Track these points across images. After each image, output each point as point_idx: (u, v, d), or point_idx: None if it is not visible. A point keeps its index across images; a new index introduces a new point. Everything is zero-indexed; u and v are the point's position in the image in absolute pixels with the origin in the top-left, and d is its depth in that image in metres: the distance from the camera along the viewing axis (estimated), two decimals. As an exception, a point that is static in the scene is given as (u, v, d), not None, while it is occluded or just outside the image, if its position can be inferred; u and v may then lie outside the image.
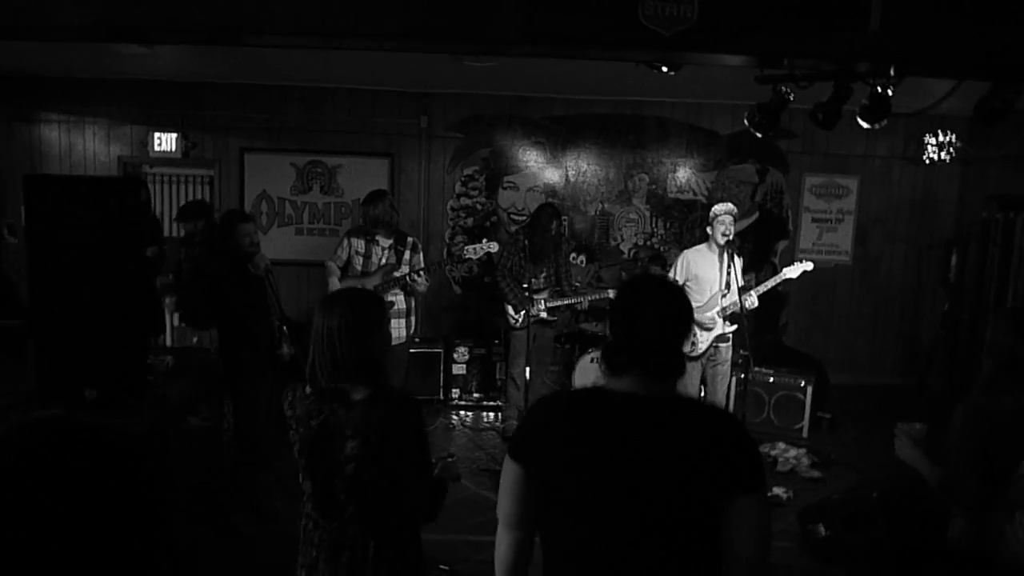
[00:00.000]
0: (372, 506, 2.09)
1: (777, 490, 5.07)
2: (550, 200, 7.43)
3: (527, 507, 1.73)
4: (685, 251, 5.36)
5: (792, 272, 5.22)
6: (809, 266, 5.26)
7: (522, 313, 5.67)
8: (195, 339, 4.94)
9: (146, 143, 7.38)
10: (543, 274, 5.71)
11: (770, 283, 5.22)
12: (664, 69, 3.74)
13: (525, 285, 5.60)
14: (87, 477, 0.95)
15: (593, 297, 5.88)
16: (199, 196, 8.33)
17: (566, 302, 5.83)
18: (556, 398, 1.93)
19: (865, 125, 3.97)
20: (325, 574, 2.11)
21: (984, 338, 2.68)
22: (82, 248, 3.90)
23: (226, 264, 4.25)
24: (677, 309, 1.73)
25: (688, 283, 5.22)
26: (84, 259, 3.91)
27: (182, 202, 8.04)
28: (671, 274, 5.33)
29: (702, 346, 5.19)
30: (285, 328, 4.37)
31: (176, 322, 5.59)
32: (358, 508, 2.08)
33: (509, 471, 1.74)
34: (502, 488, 1.76)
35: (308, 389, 2.15)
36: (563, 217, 7.10)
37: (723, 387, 5.32)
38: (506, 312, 5.77)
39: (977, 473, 2.45)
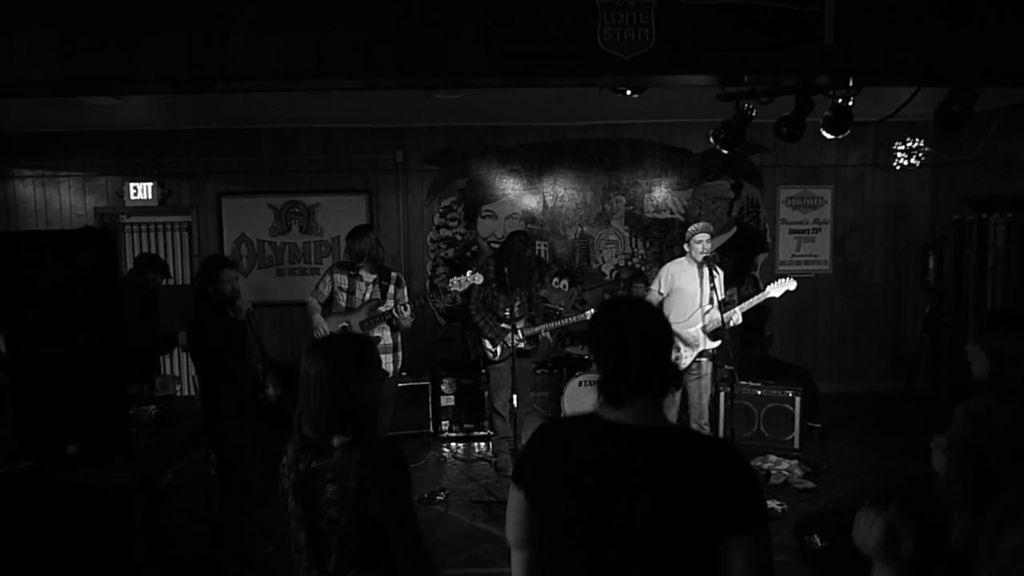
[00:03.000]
0: (357, 554, 2.05)
1: (771, 503, 5.05)
2: (526, 227, 7.49)
3: (531, 528, 1.77)
4: (667, 264, 5.42)
5: (776, 291, 5.28)
6: (792, 284, 5.31)
7: (499, 346, 5.65)
8: (178, 387, 4.90)
9: (122, 193, 7.38)
10: (516, 303, 5.62)
11: (754, 301, 5.27)
12: (628, 92, 3.80)
13: (507, 312, 5.58)
14: (53, 528, 0.94)
15: (572, 320, 5.87)
16: (178, 243, 8.31)
17: (541, 329, 5.77)
18: (555, 425, 1.91)
19: (829, 136, 4.04)
20: None
21: (966, 340, 2.68)
22: (58, 302, 3.87)
23: (207, 309, 4.24)
24: (660, 326, 1.73)
25: (671, 296, 5.25)
26: (60, 313, 3.88)
27: (160, 250, 8.02)
28: (654, 287, 5.36)
29: (685, 361, 5.22)
30: (269, 371, 4.34)
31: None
32: (341, 555, 2.04)
33: (513, 494, 1.79)
34: (508, 510, 1.82)
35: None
36: (536, 242, 7.14)
37: (706, 397, 5.33)
38: (483, 346, 5.75)
39: (970, 477, 2.44)
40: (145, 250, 8.40)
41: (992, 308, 6.70)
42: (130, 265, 8.23)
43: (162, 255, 8.44)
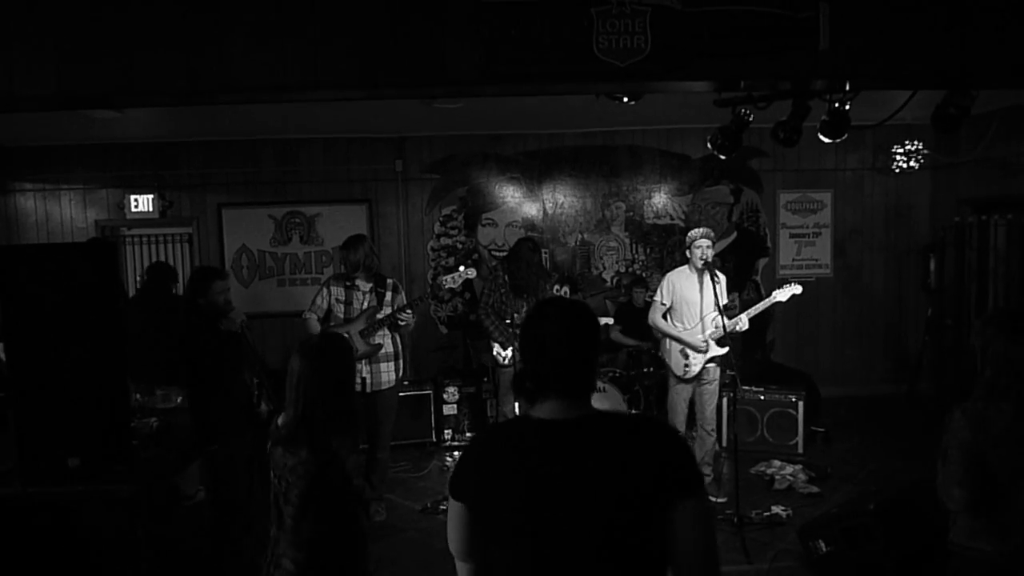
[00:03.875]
0: (311, 553, 2.17)
1: (776, 508, 5.04)
2: (526, 234, 7.50)
3: (475, 539, 1.76)
4: (669, 274, 5.39)
5: (782, 295, 5.27)
6: (799, 289, 5.30)
7: (509, 350, 5.65)
8: (179, 399, 4.88)
9: (123, 206, 7.40)
10: (524, 308, 5.67)
11: (761, 306, 5.25)
12: (625, 100, 3.81)
13: (508, 320, 5.59)
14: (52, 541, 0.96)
15: None
16: (179, 254, 8.33)
17: None
18: (486, 432, 1.97)
19: (826, 140, 4.04)
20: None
21: (968, 342, 2.68)
22: (58, 315, 3.87)
23: (199, 321, 4.23)
24: (579, 330, 1.74)
25: (675, 306, 5.24)
26: (61, 326, 3.88)
27: (156, 262, 8.03)
28: (657, 297, 5.35)
29: (695, 368, 5.20)
30: (264, 384, 4.33)
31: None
32: (292, 553, 2.18)
33: (452, 507, 1.78)
34: (449, 523, 1.80)
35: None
36: (543, 250, 7.16)
37: (711, 405, 5.31)
38: (492, 350, 5.75)
39: (968, 480, 2.43)
40: (146, 262, 8.43)
41: (995, 310, 6.69)
42: (132, 275, 8.30)
43: (163, 266, 8.45)
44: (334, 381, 2.21)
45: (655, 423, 1.79)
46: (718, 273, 5.15)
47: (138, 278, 8.25)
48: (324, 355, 2.22)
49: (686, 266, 5.27)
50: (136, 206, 7.40)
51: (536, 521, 1.64)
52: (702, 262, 5.06)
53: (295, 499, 2.12)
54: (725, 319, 4.96)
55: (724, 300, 5.12)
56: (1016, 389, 2.43)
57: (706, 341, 5.15)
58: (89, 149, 7.30)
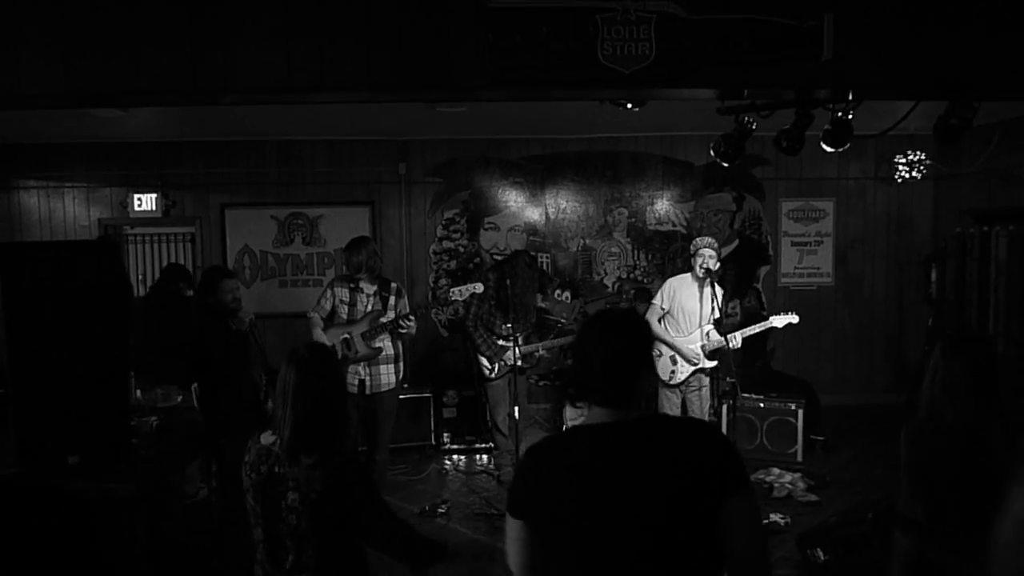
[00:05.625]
0: (315, 557, 2.15)
1: (774, 516, 5.03)
2: (528, 239, 7.54)
3: (534, 556, 1.77)
4: (670, 279, 5.42)
5: (779, 322, 5.36)
6: (795, 319, 5.43)
7: (496, 364, 5.66)
8: (179, 398, 4.89)
9: (126, 204, 7.42)
10: (511, 318, 5.63)
11: (756, 328, 5.31)
12: (629, 106, 3.82)
13: (500, 331, 5.59)
14: (41, 534, 0.96)
15: (567, 341, 5.89)
16: (181, 254, 8.35)
17: (538, 347, 5.82)
18: (543, 446, 1.91)
19: (829, 150, 4.05)
20: None
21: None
22: (60, 313, 3.88)
23: (208, 320, 4.26)
24: (627, 344, 1.76)
25: (671, 312, 5.26)
26: (63, 324, 3.89)
27: (164, 261, 8.06)
28: (656, 301, 5.36)
29: (680, 376, 5.23)
30: (272, 382, 4.34)
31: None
32: (298, 557, 2.13)
33: (511, 525, 1.79)
34: (508, 541, 1.81)
35: (269, 436, 2.24)
36: (539, 255, 7.19)
37: (703, 410, 5.34)
38: (480, 363, 5.76)
39: (921, 495, 2.48)
40: (148, 261, 8.46)
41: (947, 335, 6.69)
42: (136, 274, 8.32)
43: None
44: (326, 387, 2.21)
45: (702, 424, 1.87)
46: (717, 286, 5.16)
47: (140, 276, 8.28)
48: (314, 364, 2.21)
49: (688, 274, 5.28)
50: (139, 205, 7.42)
51: (592, 524, 1.67)
52: (703, 271, 5.07)
53: (311, 506, 2.09)
54: (718, 337, 5.01)
55: (719, 313, 5.13)
56: (951, 409, 2.46)
57: (697, 353, 5.18)
58: (93, 147, 7.32)
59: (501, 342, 5.60)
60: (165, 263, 7.91)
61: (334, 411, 2.19)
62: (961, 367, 2.49)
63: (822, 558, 4.18)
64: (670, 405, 5.30)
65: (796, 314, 5.43)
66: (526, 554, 1.76)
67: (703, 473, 1.65)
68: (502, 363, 5.61)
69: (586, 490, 1.67)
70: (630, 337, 1.78)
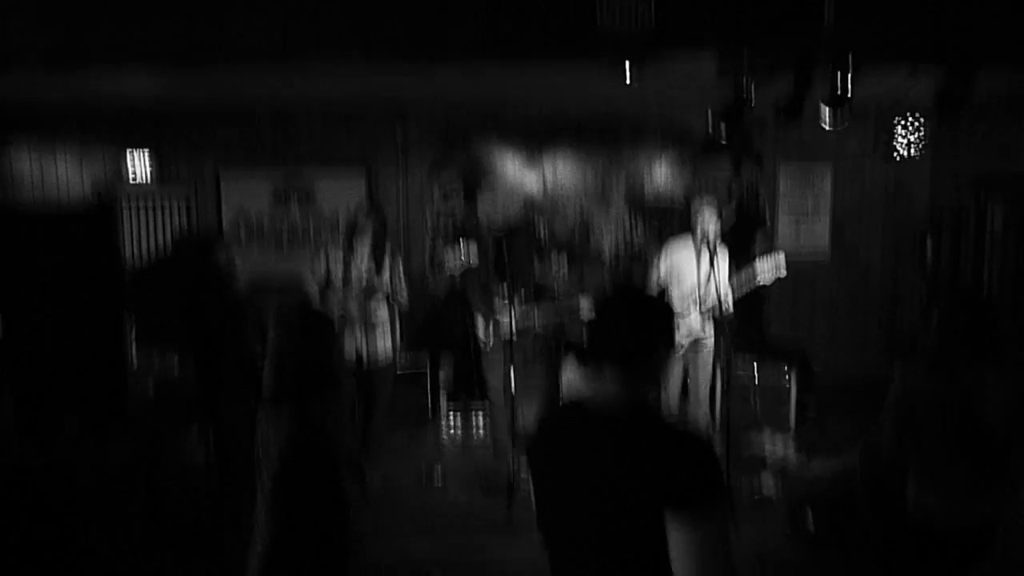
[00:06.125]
0: (287, 522, 2.16)
1: (767, 483, 5.10)
2: (525, 206, 7.51)
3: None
4: (670, 239, 5.41)
5: (766, 275, 5.25)
6: (783, 271, 5.28)
7: (492, 328, 5.67)
8: (177, 364, 4.91)
9: (119, 168, 7.34)
10: (510, 290, 5.64)
11: (744, 289, 5.25)
12: (627, 71, 3.77)
13: (497, 299, 5.59)
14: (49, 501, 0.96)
15: (565, 314, 5.87)
16: (175, 220, 8.30)
17: (533, 319, 5.80)
18: (549, 416, 1.96)
19: (828, 116, 4.01)
20: None
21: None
22: (54, 278, 3.88)
23: (203, 288, 4.25)
24: (649, 323, 1.77)
25: (669, 274, 5.25)
26: (57, 289, 3.90)
27: (158, 227, 8.00)
28: (655, 264, 5.36)
29: (682, 342, 5.23)
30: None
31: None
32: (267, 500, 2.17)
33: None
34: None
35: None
36: (536, 222, 7.17)
37: (704, 378, 5.36)
38: (476, 330, 5.77)
39: (895, 428, 2.68)
40: (143, 226, 8.41)
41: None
42: (129, 240, 8.27)
43: (160, 231, 8.43)
44: (311, 347, 2.23)
45: (696, 440, 1.67)
46: (719, 250, 5.12)
47: (134, 242, 8.24)
48: (299, 322, 2.25)
49: (690, 238, 5.25)
50: (133, 169, 7.35)
51: (561, 506, 1.78)
52: (710, 233, 5.03)
53: (273, 464, 2.13)
54: (718, 298, 4.94)
55: (720, 278, 5.11)
56: (954, 355, 2.61)
57: (693, 318, 5.17)
58: (86, 110, 7.22)
59: (498, 307, 5.61)
60: (159, 228, 7.86)
61: (316, 370, 2.22)
62: (961, 323, 2.62)
63: (812, 521, 4.25)
64: (672, 372, 5.32)
65: (783, 267, 5.30)
66: (534, 500, 1.92)
67: (662, 480, 1.56)
68: (498, 327, 5.62)
69: (555, 477, 1.79)
70: (658, 321, 1.78)
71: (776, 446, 5.84)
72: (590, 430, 1.73)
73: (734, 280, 5.31)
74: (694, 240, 5.15)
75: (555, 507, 1.81)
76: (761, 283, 5.27)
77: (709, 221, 5.04)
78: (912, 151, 7.01)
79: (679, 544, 1.53)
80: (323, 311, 3.29)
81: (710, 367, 5.37)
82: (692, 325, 5.20)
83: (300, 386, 2.20)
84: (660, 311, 1.82)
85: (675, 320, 1.83)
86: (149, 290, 5.66)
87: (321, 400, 2.25)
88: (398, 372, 5.59)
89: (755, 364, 6.43)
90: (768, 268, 5.23)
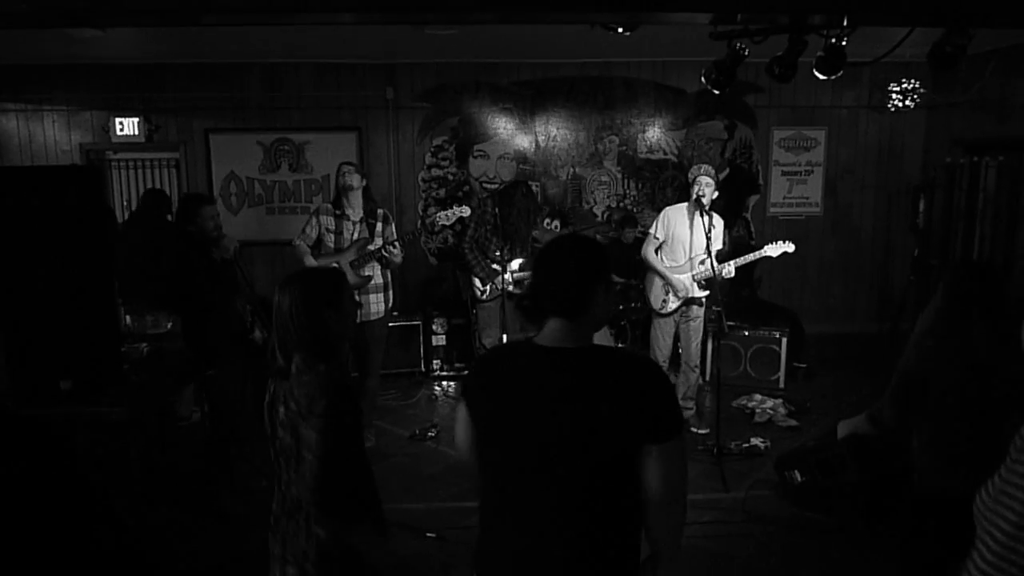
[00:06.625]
0: (301, 473, 2.13)
1: (755, 440, 5.19)
2: (518, 167, 7.48)
3: (472, 440, 1.94)
4: (667, 208, 5.40)
5: (773, 251, 5.26)
6: (791, 247, 5.27)
7: (488, 285, 5.69)
8: (169, 324, 4.92)
9: (108, 129, 7.27)
10: (507, 247, 5.66)
11: (750, 258, 5.27)
12: (620, 30, 3.74)
13: (491, 257, 5.60)
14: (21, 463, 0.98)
15: None
16: (165, 180, 8.25)
17: (528, 275, 5.81)
18: (494, 351, 2.15)
19: (822, 77, 3.99)
20: (277, 535, 2.20)
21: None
22: (46, 239, 3.87)
23: (190, 248, 4.23)
24: (585, 259, 1.82)
25: (667, 241, 5.26)
26: (49, 250, 3.88)
27: (147, 187, 7.94)
28: (651, 231, 5.37)
29: (671, 305, 5.28)
30: (257, 311, 4.36)
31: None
32: (289, 474, 2.14)
33: (460, 408, 1.97)
34: (457, 419, 2.00)
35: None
36: (534, 184, 7.14)
37: (696, 341, 5.41)
38: (473, 284, 5.79)
39: (900, 400, 2.69)
40: (132, 187, 8.36)
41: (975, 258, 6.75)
42: (120, 200, 8.23)
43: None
44: (327, 306, 2.19)
45: (646, 364, 1.86)
46: (716, 216, 5.14)
47: (125, 203, 8.20)
48: (313, 282, 2.22)
49: (686, 203, 5.25)
50: (121, 129, 7.27)
51: (515, 437, 1.78)
52: (698, 199, 5.03)
53: (315, 421, 2.03)
54: (714, 263, 4.96)
55: (718, 244, 5.12)
56: (972, 329, 2.56)
57: (688, 281, 5.20)
58: (72, 69, 7.11)
59: (495, 266, 5.63)
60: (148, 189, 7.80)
61: (333, 330, 2.18)
62: (968, 295, 2.57)
63: (799, 479, 4.33)
64: (663, 334, 5.38)
65: (792, 243, 5.31)
66: (466, 436, 1.94)
67: (623, 416, 1.68)
68: (494, 285, 5.64)
69: (511, 405, 1.79)
70: (580, 252, 1.84)
71: (764, 403, 5.92)
72: (545, 358, 1.79)
73: (725, 237, 5.34)
74: (692, 206, 5.14)
75: (512, 431, 1.79)
76: (766, 255, 5.27)
77: (706, 187, 5.03)
78: (907, 102, 6.98)
79: (656, 467, 1.69)
80: (331, 267, 3.30)
81: (701, 327, 5.41)
82: (682, 291, 5.23)
83: (325, 347, 2.15)
84: (587, 252, 1.85)
85: (606, 259, 1.85)
86: (138, 251, 5.66)
87: (342, 358, 2.27)
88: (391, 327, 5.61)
89: (747, 324, 6.48)
90: (776, 249, 5.25)
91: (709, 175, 5.09)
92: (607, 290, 1.82)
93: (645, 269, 5.43)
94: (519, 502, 1.81)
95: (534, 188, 7.60)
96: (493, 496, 1.89)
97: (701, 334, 5.46)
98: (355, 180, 4.96)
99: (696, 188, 5.06)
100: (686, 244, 5.22)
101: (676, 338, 5.45)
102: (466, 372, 1.99)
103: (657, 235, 5.31)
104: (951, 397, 2.53)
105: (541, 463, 1.74)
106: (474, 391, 1.93)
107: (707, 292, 5.26)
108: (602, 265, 1.83)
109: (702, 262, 5.14)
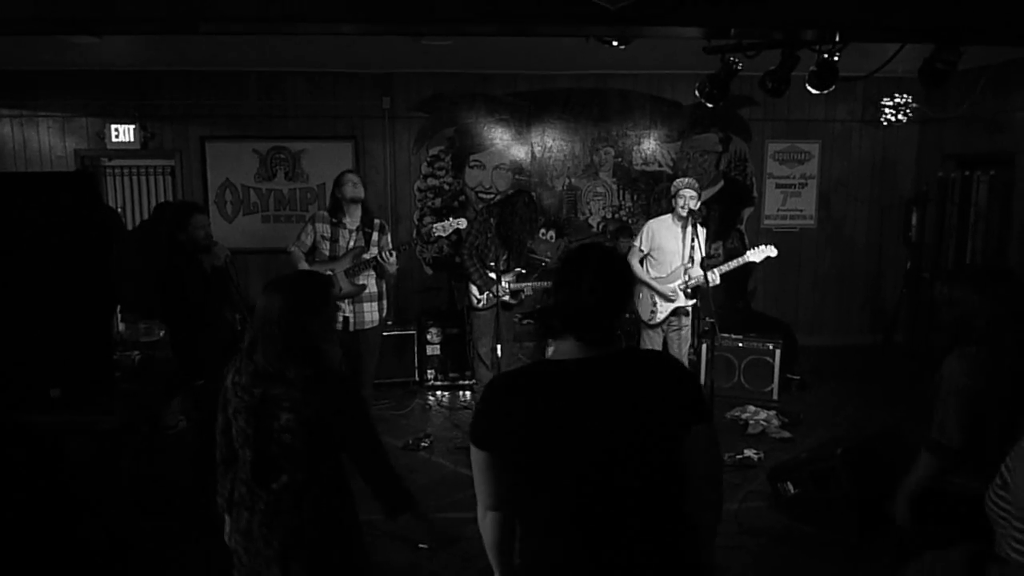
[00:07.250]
0: (305, 479, 2.22)
1: (748, 452, 5.18)
2: (514, 178, 7.50)
3: (502, 487, 1.78)
4: (650, 221, 5.45)
5: (756, 256, 5.31)
6: (773, 252, 5.32)
7: (486, 294, 5.68)
8: (161, 332, 4.91)
9: (103, 135, 7.26)
10: (505, 256, 5.65)
11: (733, 264, 5.32)
12: (615, 43, 3.76)
13: (490, 265, 5.60)
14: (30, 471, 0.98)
15: (546, 284, 5.87)
16: (160, 188, 8.24)
17: (526, 286, 5.82)
18: (507, 378, 1.89)
19: (814, 91, 4.02)
20: (260, 540, 2.22)
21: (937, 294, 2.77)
22: (38, 245, 3.86)
23: (181, 258, 4.22)
24: (614, 279, 1.80)
25: (652, 254, 5.31)
26: (41, 256, 3.87)
27: (143, 194, 7.95)
28: (635, 243, 5.40)
29: (660, 315, 5.31)
30: (247, 320, 4.35)
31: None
32: (293, 476, 2.20)
33: (477, 457, 1.78)
34: (475, 472, 1.80)
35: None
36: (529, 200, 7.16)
37: (684, 350, 5.44)
38: (470, 292, 5.78)
39: (967, 422, 2.55)
40: (127, 194, 8.35)
41: (973, 262, 6.79)
42: (115, 207, 8.21)
43: (145, 200, 8.39)
44: (314, 312, 2.23)
45: (666, 355, 2.05)
46: (699, 226, 5.20)
47: (120, 210, 8.19)
48: (302, 288, 2.25)
49: (670, 215, 5.31)
50: (117, 136, 7.26)
51: (569, 459, 1.70)
52: (685, 211, 5.11)
53: (305, 424, 2.16)
54: (699, 272, 5.01)
55: (702, 253, 5.16)
56: (1007, 336, 2.53)
57: (675, 291, 5.24)
58: (69, 75, 7.12)
59: (491, 275, 5.62)
60: (144, 196, 7.81)
61: (314, 334, 2.23)
62: (1002, 298, 2.55)
63: (792, 491, 4.33)
64: (651, 344, 5.40)
65: (774, 247, 5.34)
66: (495, 483, 1.77)
67: (669, 404, 1.76)
68: (491, 294, 5.63)
69: (554, 431, 1.69)
70: (623, 276, 1.86)
71: (758, 415, 5.92)
72: (582, 371, 1.75)
73: (718, 251, 5.38)
74: (675, 217, 5.21)
75: (557, 462, 1.70)
76: (749, 261, 5.32)
77: (689, 199, 5.11)
78: (900, 116, 7.03)
79: (700, 449, 1.78)
80: (318, 272, 3.32)
81: (688, 336, 5.44)
82: (672, 300, 5.27)
83: (310, 352, 2.21)
84: (620, 265, 1.86)
85: (632, 277, 1.91)
86: (130, 258, 5.65)
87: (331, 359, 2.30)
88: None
89: (741, 336, 6.49)
90: (759, 254, 5.30)
91: (692, 187, 5.17)
92: (631, 310, 1.89)
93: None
94: (592, 518, 1.71)
95: (530, 195, 7.60)
96: (553, 524, 1.75)
97: (688, 343, 5.49)
98: (361, 191, 4.97)
99: (680, 201, 5.13)
100: (675, 255, 5.26)
101: (664, 347, 5.48)
102: (471, 423, 1.81)
103: (642, 247, 5.36)
104: (1000, 412, 2.51)
105: (614, 472, 1.70)
106: (499, 434, 1.74)
107: (693, 301, 5.29)
108: (633, 287, 1.87)
109: (687, 271, 5.19)
